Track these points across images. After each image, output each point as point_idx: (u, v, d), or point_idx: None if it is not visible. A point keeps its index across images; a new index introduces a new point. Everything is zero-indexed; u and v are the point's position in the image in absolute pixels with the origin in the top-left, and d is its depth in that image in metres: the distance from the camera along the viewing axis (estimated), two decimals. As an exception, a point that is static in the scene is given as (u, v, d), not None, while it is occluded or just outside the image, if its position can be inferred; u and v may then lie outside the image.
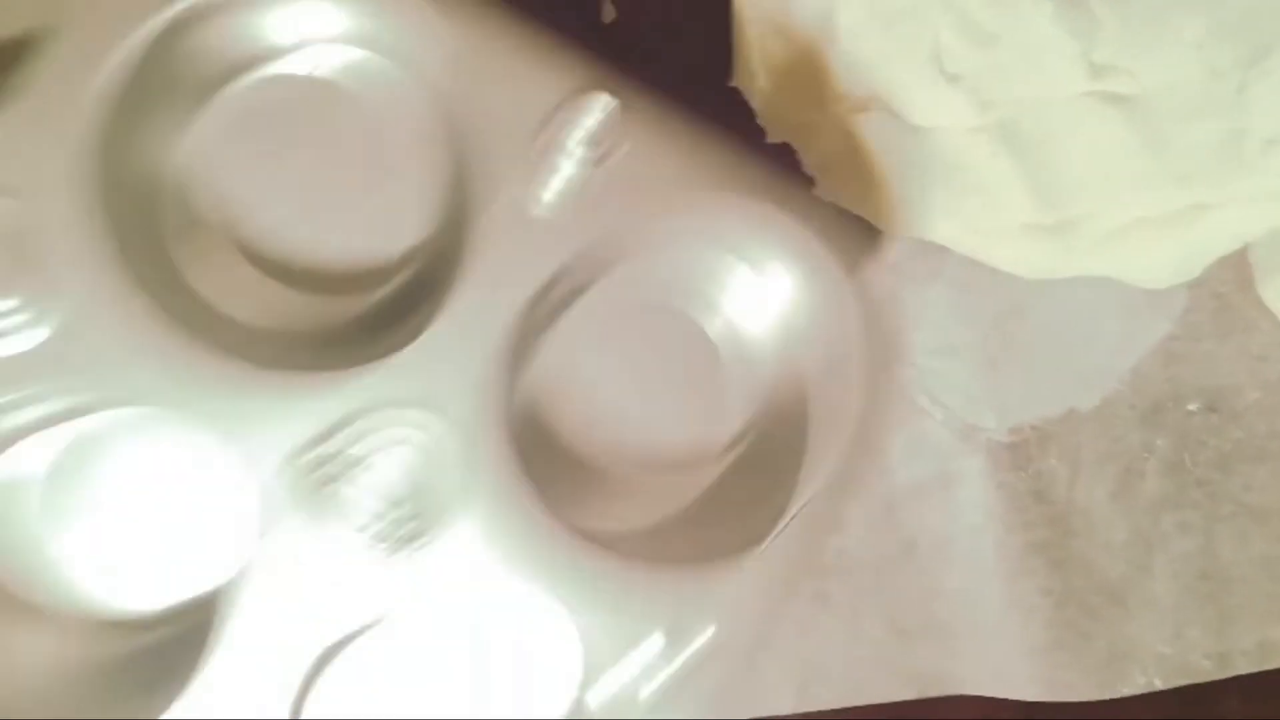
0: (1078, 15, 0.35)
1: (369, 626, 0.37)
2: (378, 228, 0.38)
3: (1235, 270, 0.43)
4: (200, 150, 0.38)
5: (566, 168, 0.35)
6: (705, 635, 0.38)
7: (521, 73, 0.35)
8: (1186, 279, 0.39)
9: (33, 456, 0.37)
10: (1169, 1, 0.35)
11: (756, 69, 0.39)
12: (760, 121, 0.40)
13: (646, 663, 0.38)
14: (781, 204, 0.36)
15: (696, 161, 0.36)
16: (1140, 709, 0.46)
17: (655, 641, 0.37)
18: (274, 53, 0.37)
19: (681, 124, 0.37)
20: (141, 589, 0.38)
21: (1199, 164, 0.36)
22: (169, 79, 0.36)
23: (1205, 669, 0.47)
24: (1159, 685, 0.47)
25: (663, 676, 0.38)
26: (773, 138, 0.40)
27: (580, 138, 0.35)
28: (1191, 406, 0.44)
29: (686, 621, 0.37)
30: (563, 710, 0.38)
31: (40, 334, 0.35)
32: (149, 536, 0.38)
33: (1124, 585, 0.46)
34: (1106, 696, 0.45)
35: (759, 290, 0.39)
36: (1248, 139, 0.36)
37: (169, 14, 0.35)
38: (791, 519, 0.38)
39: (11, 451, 0.37)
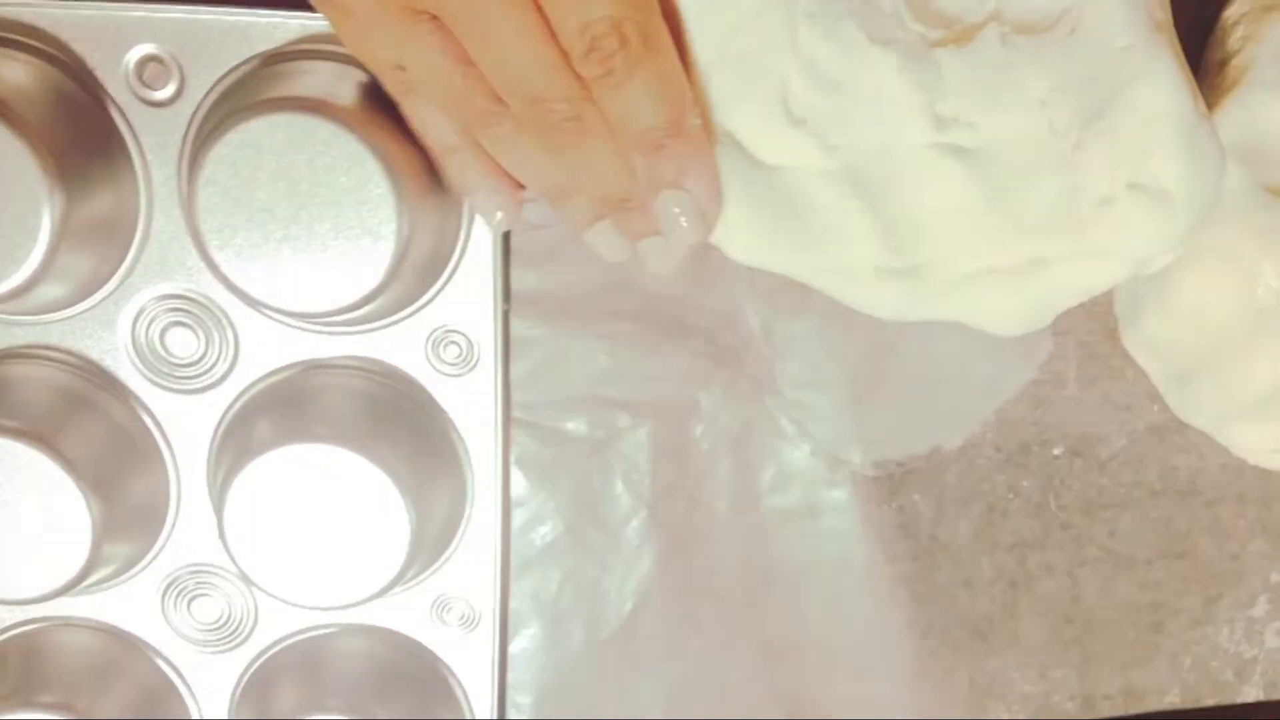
0: (923, 67, 0.35)
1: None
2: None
3: (1101, 320, 0.43)
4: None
5: None
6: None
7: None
8: (1036, 328, 0.39)
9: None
10: (1015, 58, 0.35)
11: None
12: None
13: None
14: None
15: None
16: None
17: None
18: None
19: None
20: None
21: (1038, 219, 0.36)
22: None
23: (1069, 710, 0.47)
24: (1023, 722, 0.47)
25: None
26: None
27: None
28: (1056, 451, 0.44)
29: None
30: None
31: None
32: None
33: (987, 622, 0.46)
34: (972, 729, 0.46)
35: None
36: (1082, 196, 0.36)
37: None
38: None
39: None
